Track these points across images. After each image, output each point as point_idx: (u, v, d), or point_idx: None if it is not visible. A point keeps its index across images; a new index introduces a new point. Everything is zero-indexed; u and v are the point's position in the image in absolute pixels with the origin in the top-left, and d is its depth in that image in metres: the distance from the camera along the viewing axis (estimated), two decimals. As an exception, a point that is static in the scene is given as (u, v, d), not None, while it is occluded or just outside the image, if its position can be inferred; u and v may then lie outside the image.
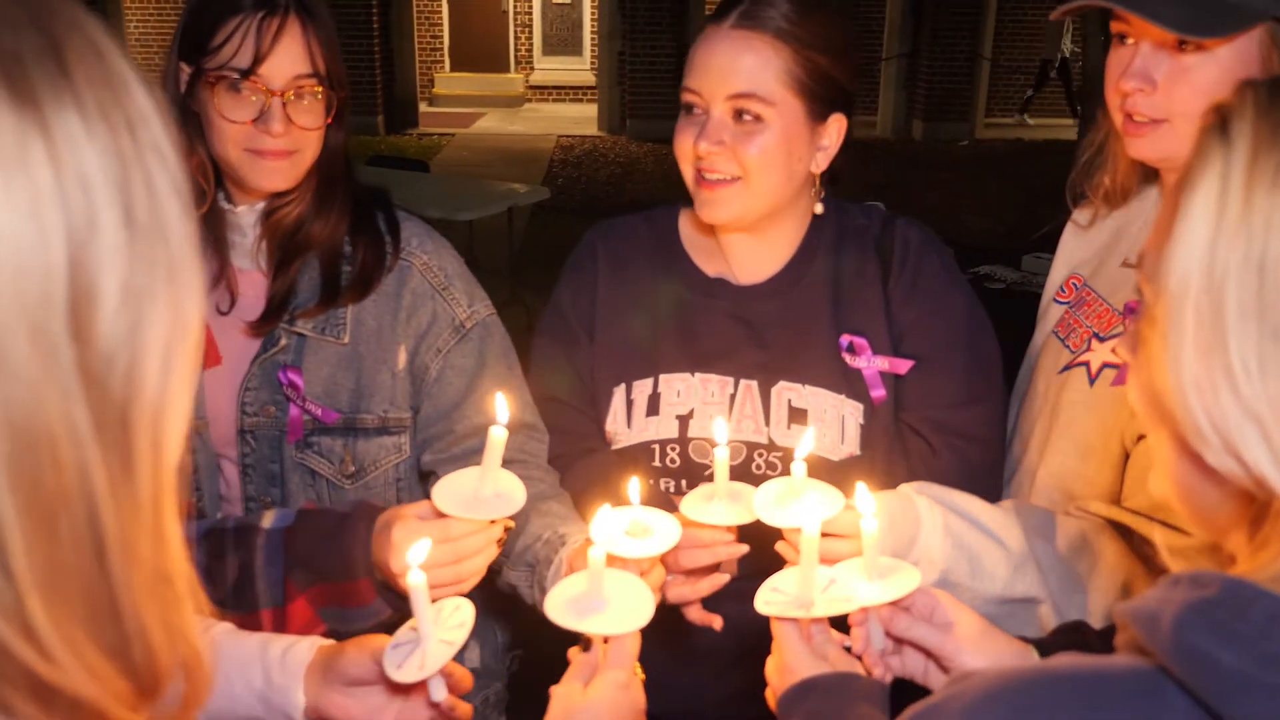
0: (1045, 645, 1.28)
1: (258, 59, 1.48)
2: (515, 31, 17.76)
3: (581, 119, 16.23)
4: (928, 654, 1.26)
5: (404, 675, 1.14)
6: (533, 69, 17.95)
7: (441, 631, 1.18)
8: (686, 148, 1.60)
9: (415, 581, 1.13)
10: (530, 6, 17.70)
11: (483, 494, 1.30)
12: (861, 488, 1.25)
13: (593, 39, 17.28)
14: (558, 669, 1.21)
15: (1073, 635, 1.31)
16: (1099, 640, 1.29)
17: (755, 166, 1.57)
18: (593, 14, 17.17)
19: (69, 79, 0.60)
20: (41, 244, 0.57)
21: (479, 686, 1.90)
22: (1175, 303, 0.74)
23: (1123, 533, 1.48)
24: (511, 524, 1.40)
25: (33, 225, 0.57)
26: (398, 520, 1.35)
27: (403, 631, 1.20)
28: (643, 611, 1.19)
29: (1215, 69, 1.41)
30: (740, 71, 1.55)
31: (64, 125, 0.59)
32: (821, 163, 1.65)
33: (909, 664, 1.28)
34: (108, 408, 0.60)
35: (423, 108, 16.08)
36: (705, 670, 1.73)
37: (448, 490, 1.31)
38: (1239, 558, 0.80)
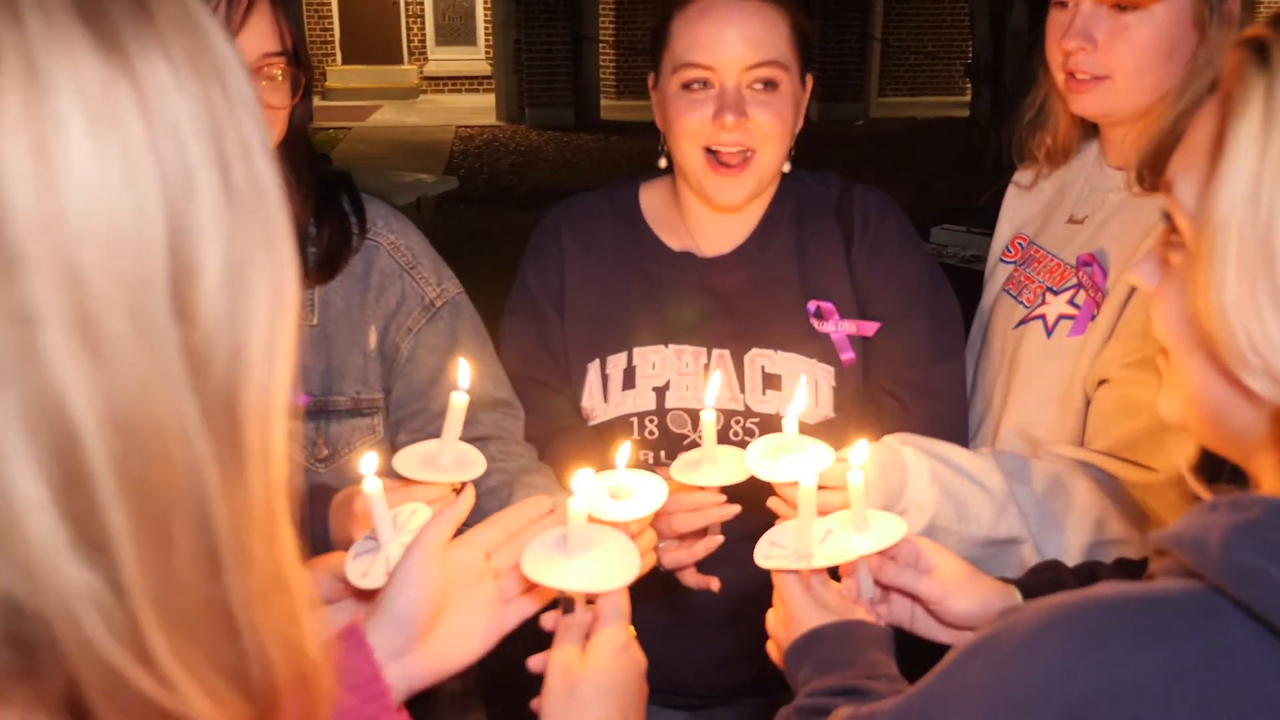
0: (1024, 585, 1.33)
1: None
2: (407, 22, 17.47)
3: (479, 109, 16.07)
4: (914, 599, 1.30)
5: (370, 581, 1.13)
6: (427, 60, 17.70)
7: (403, 536, 1.16)
8: (698, 126, 1.60)
9: (371, 489, 1.13)
10: (422, -4, 17.49)
11: (443, 461, 1.30)
12: (861, 444, 1.28)
13: (486, 28, 17.12)
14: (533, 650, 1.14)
15: (1048, 574, 1.36)
16: (1074, 577, 1.35)
17: (772, 135, 1.60)
18: (485, 2, 17.00)
19: (152, 22, 0.52)
20: (138, 211, 0.50)
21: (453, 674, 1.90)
22: (1220, 231, 0.75)
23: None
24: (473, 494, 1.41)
25: (128, 190, 0.50)
26: (359, 494, 1.35)
27: (360, 541, 1.18)
28: (629, 565, 1.12)
29: (1152, 26, 1.49)
30: (758, 40, 1.57)
31: (153, 74, 0.51)
32: (799, 124, 1.69)
33: (896, 611, 1.32)
34: (214, 395, 0.53)
35: (315, 101, 15.63)
36: (692, 639, 1.75)
37: (408, 457, 1.31)
38: (1264, 480, 0.82)
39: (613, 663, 1.06)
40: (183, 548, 0.53)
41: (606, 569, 1.11)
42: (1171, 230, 0.84)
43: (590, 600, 1.13)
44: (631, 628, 1.12)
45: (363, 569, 1.14)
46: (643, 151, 12.54)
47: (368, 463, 1.16)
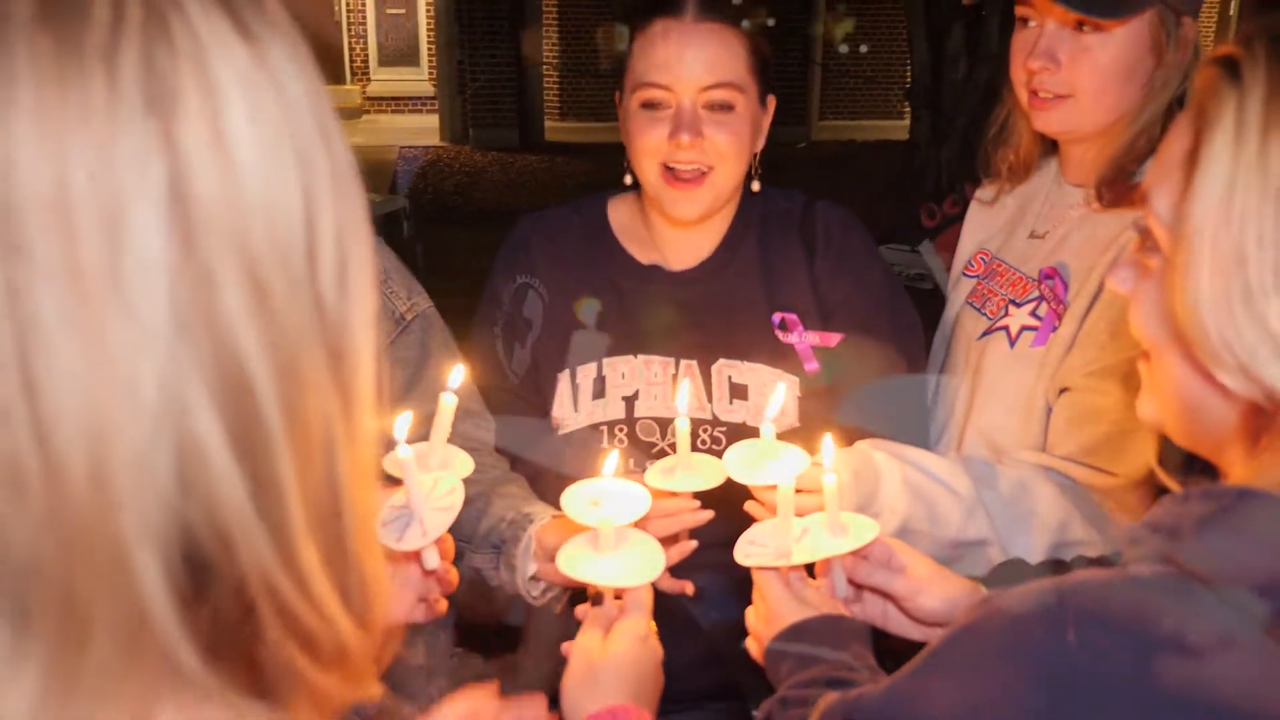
0: (989, 583, 1.37)
1: None
2: (350, 42, 17.37)
3: (422, 129, 16.00)
4: (887, 598, 1.34)
5: (406, 544, 1.16)
6: (369, 80, 17.62)
7: (434, 501, 1.20)
8: (655, 144, 1.63)
9: (404, 455, 1.16)
10: (364, 17, 17.37)
11: (431, 462, 1.32)
12: (827, 442, 1.31)
13: (430, 49, 17.09)
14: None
15: (1012, 572, 1.41)
16: (1035, 575, 1.40)
17: (728, 154, 1.63)
18: (429, 23, 16.97)
19: (268, 16, 0.58)
20: (284, 184, 0.56)
21: (425, 683, 1.89)
22: (1195, 238, 0.80)
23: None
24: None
25: (277, 166, 0.55)
26: None
27: (387, 510, 1.21)
28: (654, 563, 1.22)
29: (1112, 47, 1.55)
30: (714, 62, 1.61)
31: (278, 60, 0.57)
32: (760, 144, 1.72)
33: (869, 609, 1.35)
34: (334, 353, 0.59)
35: (255, 122, 15.58)
36: (664, 643, 1.76)
37: (396, 458, 1.32)
38: (1232, 471, 0.87)
39: (630, 650, 1.16)
40: (324, 486, 0.59)
41: (633, 566, 1.21)
42: (1146, 238, 0.88)
43: (618, 595, 1.23)
44: (653, 622, 1.22)
45: (396, 534, 1.17)
46: (587, 172, 12.59)
47: (400, 425, 1.18)
